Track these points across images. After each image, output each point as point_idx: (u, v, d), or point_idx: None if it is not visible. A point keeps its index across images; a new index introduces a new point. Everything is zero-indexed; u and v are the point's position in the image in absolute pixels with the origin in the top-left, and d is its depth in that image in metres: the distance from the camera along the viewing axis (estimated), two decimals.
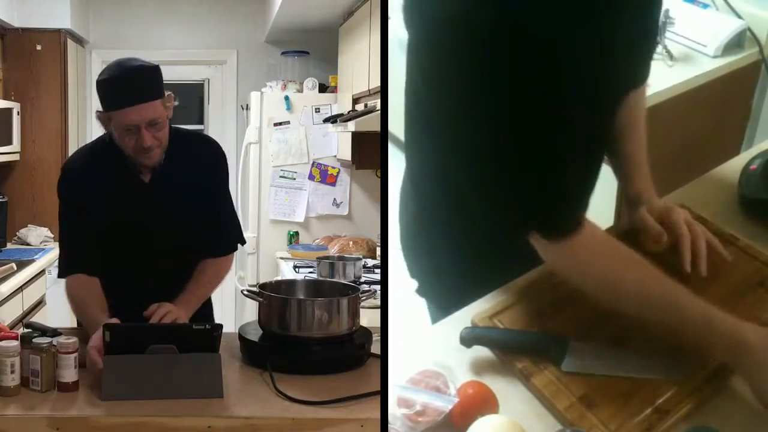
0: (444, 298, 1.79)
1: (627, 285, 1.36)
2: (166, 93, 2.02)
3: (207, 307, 2.23)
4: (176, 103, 2.08)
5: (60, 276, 2.13)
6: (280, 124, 4.65)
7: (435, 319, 1.77)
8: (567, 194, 1.35)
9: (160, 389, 1.62)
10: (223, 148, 2.24)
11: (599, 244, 1.39)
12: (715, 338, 1.29)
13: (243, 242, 2.27)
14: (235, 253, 2.23)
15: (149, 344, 1.65)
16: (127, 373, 1.62)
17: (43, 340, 1.65)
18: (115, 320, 1.86)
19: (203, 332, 1.69)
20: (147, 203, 2.07)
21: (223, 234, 2.18)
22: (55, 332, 1.83)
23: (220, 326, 1.71)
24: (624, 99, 1.61)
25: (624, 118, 1.63)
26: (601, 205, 1.94)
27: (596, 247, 1.38)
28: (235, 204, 2.36)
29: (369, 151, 4.03)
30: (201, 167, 2.13)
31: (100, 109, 2.02)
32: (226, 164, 2.22)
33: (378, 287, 1.81)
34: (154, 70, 2.01)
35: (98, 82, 2.02)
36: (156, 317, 1.92)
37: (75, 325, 2.29)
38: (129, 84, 1.96)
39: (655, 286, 1.34)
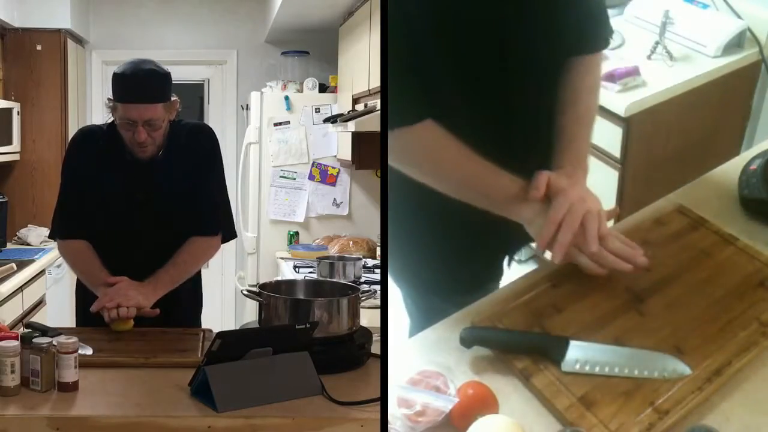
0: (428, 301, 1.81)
1: (446, 178, 1.58)
2: (173, 98, 2.18)
3: (194, 300, 2.34)
4: (179, 109, 2.23)
5: (52, 237, 2.33)
6: (280, 124, 4.65)
7: (416, 327, 1.79)
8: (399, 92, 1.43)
9: (264, 394, 1.59)
10: (223, 148, 2.31)
11: (432, 139, 1.51)
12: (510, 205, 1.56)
13: (232, 234, 2.35)
14: (218, 239, 2.30)
15: (251, 348, 1.62)
16: (233, 381, 1.57)
17: (43, 340, 1.65)
18: (124, 277, 2.11)
19: (303, 331, 1.68)
20: (137, 178, 2.20)
21: (206, 213, 2.26)
22: (55, 332, 1.83)
23: (317, 323, 1.72)
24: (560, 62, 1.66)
25: (564, 92, 1.66)
26: None
27: (428, 142, 1.51)
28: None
29: (369, 151, 4.03)
30: (192, 151, 2.25)
31: (111, 97, 2.16)
32: (218, 151, 2.32)
33: (378, 287, 1.81)
34: (162, 76, 2.16)
35: (113, 74, 2.17)
36: (111, 303, 2.05)
37: (75, 325, 2.30)
38: (136, 83, 2.11)
39: (477, 181, 1.56)
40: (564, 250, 1.50)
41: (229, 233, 2.35)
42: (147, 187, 2.21)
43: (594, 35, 1.71)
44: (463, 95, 1.53)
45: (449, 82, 1.50)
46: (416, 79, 1.45)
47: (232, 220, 2.40)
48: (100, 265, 2.18)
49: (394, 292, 1.98)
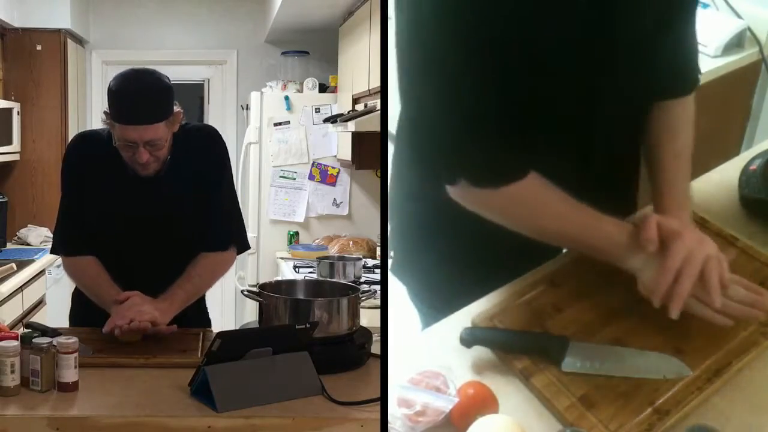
0: (437, 301, 1.79)
1: (551, 232, 1.49)
2: (175, 110, 2.00)
3: (199, 307, 2.24)
4: (183, 121, 2.07)
5: (55, 253, 2.20)
6: (280, 124, 4.65)
7: (427, 323, 1.78)
8: (503, 148, 1.40)
9: (264, 394, 1.58)
10: None
11: (537, 192, 1.44)
12: (616, 248, 1.45)
13: (245, 246, 2.23)
14: (232, 252, 2.19)
15: (250, 348, 1.61)
16: (233, 381, 1.57)
17: (43, 340, 1.65)
18: (136, 292, 1.98)
19: (303, 331, 1.67)
20: (142, 192, 2.07)
21: (215, 228, 2.13)
22: (55, 332, 1.83)
23: (317, 323, 1.71)
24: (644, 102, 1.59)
25: (659, 127, 1.59)
26: None
27: (533, 195, 1.44)
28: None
29: (369, 151, 4.03)
30: (199, 160, 2.12)
31: (107, 110, 2.00)
32: (226, 157, 2.19)
33: (378, 287, 1.81)
34: (161, 91, 1.98)
35: (108, 90, 1.99)
36: (123, 320, 1.92)
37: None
38: (133, 103, 1.94)
39: (581, 231, 1.47)
40: (682, 301, 1.36)
41: (242, 245, 2.22)
42: (153, 201, 2.07)
43: (686, 74, 1.63)
44: (555, 142, 1.46)
45: (545, 134, 1.44)
46: (518, 136, 1.38)
47: (245, 230, 2.26)
48: (109, 281, 2.06)
49: (395, 292, 1.98)
